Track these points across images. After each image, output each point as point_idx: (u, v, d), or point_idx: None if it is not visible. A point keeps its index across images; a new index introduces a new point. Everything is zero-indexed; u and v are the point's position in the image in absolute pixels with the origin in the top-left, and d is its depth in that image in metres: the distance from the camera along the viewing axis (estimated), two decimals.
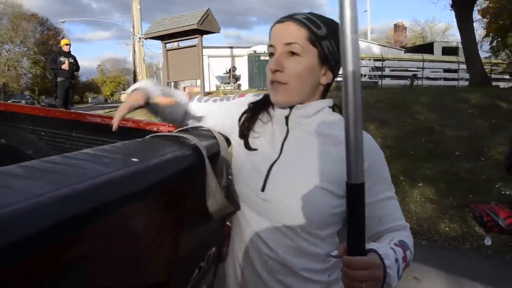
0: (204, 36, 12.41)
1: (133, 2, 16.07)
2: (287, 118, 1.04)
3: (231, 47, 20.53)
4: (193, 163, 0.90)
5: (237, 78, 17.12)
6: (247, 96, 1.15)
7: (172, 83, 14.57)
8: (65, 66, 9.72)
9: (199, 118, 1.16)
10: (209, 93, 13.40)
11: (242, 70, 17.47)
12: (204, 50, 12.80)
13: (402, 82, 16.08)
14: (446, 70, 18.88)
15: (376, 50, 22.19)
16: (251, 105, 1.10)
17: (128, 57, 37.52)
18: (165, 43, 12.82)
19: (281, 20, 1.00)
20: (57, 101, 10.43)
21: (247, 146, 1.05)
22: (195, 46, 12.18)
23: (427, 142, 6.81)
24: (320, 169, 0.97)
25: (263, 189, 1.00)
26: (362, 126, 0.72)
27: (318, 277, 1.03)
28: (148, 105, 1.05)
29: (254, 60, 16.57)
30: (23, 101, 24.77)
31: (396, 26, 32.89)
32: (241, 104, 1.12)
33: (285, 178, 0.99)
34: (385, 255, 0.81)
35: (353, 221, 0.75)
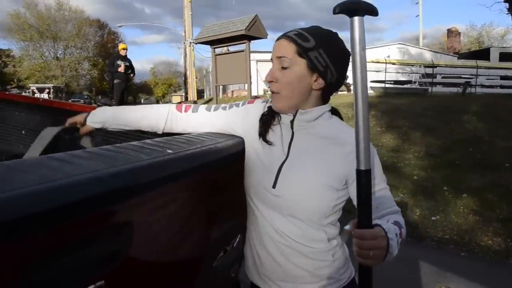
0: (253, 41, 12.67)
1: (185, 8, 16.66)
2: (292, 122, 1.17)
3: None
4: (224, 157, 1.07)
5: None
6: (257, 103, 1.29)
7: (221, 87, 14.98)
8: (121, 69, 10.35)
9: (208, 126, 1.30)
10: (256, 97, 13.63)
11: None
12: (252, 54, 13.05)
13: (455, 89, 15.56)
14: (503, 77, 18.02)
15: (428, 56, 21.59)
16: (265, 114, 1.23)
17: (180, 60, 38.69)
18: (214, 48, 13.21)
19: (278, 38, 1.15)
20: (112, 101, 11.07)
21: (265, 140, 1.18)
22: (243, 51, 12.46)
23: (475, 152, 6.61)
24: (323, 167, 1.12)
25: (274, 186, 1.14)
26: (368, 124, 0.88)
27: (324, 257, 1.18)
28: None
29: None
30: (81, 101, 26.33)
31: (449, 32, 31.62)
32: (252, 110, 1.26)
33: (293, 176, 1.12)
34: (388, 229, 0.96)
35: (363, 201, 0.90)
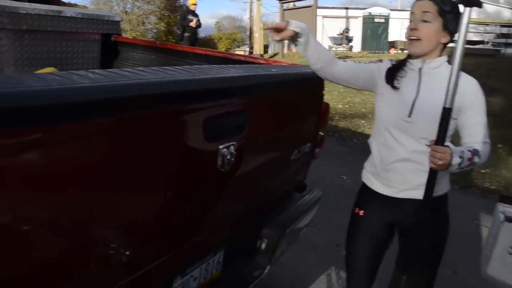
0: None
1: None
2: (420, 69, 1.56)
3: (346, 8, 20.40)
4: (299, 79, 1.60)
5: (349, 40, 17.14)
6: (385, 62, 1.68)
7: (286, 42, 15.23)
8: (193, 24, 11.05)
9: (357, 72, 1.68)
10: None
11: (355, 31, 17.41)
12: (318, 10, 13.13)
13: None
14: None
15: (508, 14, 20.14)
16: (392, 65, 1.62)
17: (244, 15, 38.66)
18: (282, 3, 13.43)
19: None
20: None
21: (393, 87, 1.58)
22: (310, 6, 12.59)
23: None
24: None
25: (409, 115, 1.53)
26: (459, 75, 1.37)
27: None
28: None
29: (368, 22, 16.42)
30: None
31: None
32: (381, 65, 1.66)
33: (424, 107, 1.51)
34: (454, 151, 1.37)
35: (441, 127, 1.38)
